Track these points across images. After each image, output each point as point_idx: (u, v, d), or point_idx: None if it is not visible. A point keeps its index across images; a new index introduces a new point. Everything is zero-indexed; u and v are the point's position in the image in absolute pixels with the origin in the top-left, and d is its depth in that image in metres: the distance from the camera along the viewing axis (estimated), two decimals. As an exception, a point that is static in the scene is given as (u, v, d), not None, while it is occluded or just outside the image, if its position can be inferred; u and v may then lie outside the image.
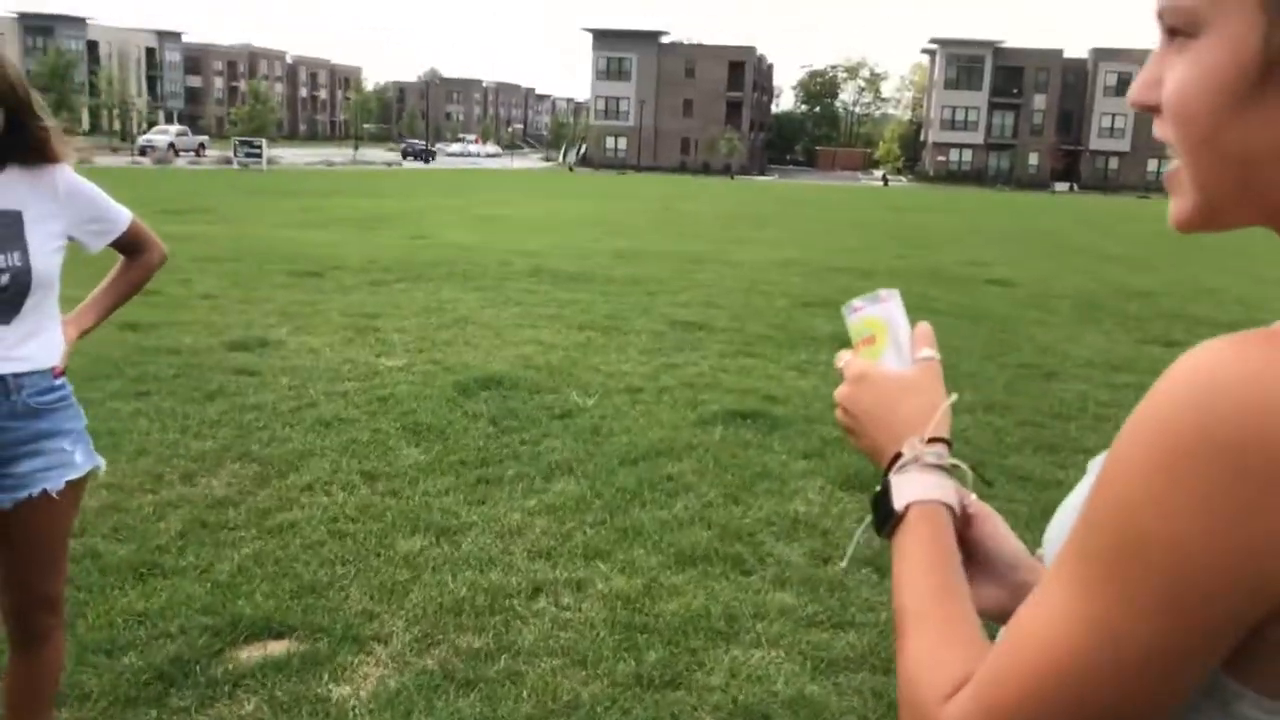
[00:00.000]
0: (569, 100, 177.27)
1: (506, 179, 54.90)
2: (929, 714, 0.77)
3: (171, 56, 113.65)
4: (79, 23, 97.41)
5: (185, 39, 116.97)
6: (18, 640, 2.61)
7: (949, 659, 0.80)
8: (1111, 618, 0.69)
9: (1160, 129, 0.77)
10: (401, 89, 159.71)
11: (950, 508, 0.95)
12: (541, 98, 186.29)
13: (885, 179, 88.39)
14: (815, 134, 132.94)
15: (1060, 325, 11.27)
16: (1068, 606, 0.70)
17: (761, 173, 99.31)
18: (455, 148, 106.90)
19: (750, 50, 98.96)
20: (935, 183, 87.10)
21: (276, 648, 3.57)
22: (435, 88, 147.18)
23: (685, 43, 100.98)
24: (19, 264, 2.38)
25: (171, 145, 63.01)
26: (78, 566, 4.06)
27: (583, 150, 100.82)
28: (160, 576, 4.04)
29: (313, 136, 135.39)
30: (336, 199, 28.23)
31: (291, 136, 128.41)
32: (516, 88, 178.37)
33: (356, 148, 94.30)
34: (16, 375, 2.41)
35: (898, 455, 0.99)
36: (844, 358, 1.09)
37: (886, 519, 0.95)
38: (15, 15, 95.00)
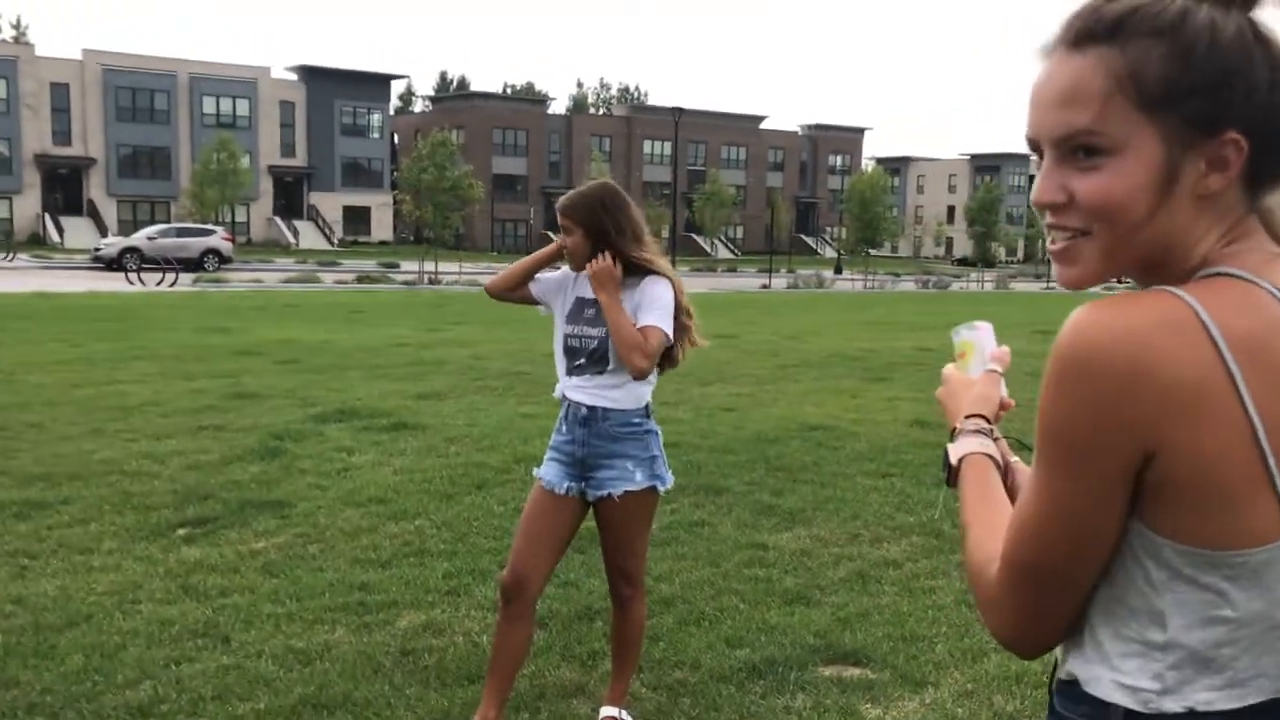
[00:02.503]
0: None
1: None
2: (984, 575, 1.20)
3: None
4: (1023, 160, 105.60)
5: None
6: (613, 599, 3.73)
7: (990, 543, 1.22)
8: (1047, 482, 1.09)
9: (1063, 218, 1.15)
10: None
11: (990, 456, 1.39)
12: None
13: None
14: None
15: None
16: (1031, 483, 1.12)
17: None
18: None
19: None
20: None
21: (850, 672, 4.23)
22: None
23: None
24: (604, 335, 3.49)
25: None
26: (754, 589, 5.17)
27: None
28: (804, 605, 4.95)
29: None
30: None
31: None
32: None
33: None
34: (605, 409, 3.52)
35: (954, 430, 1.49)
36: (946, 368, 1.66)
37: (947, 472, 1.45)
38: (968, 157, 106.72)
